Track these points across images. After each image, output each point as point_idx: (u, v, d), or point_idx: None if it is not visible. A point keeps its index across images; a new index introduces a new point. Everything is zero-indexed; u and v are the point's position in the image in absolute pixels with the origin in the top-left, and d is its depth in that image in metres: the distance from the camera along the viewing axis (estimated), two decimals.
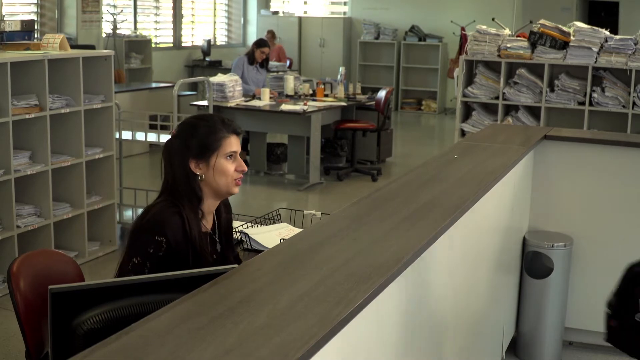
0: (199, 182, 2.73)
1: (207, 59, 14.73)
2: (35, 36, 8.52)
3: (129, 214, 7.33)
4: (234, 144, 2.76)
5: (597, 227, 4.53)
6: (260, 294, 2.01)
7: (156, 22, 14.38)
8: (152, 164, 9.69)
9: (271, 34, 13.65)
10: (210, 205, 2.80)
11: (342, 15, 16.88)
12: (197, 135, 2.74)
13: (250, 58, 9.98)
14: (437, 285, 2.97)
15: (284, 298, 1.98)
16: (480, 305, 3.72)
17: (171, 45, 14.66)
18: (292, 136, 9.51)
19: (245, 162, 9.80)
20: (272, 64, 12.69)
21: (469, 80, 7.14)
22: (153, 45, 13.51)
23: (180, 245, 2.64)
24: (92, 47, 10.64)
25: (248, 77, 9.89)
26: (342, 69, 10.73)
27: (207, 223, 2.83)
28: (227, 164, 2.74)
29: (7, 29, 6.28)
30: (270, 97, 9.43)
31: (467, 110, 7.27)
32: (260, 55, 9.97)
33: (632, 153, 4.49)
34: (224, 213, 2.93)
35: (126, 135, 7.36)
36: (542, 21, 6.99)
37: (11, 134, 5.28)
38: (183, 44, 14.94)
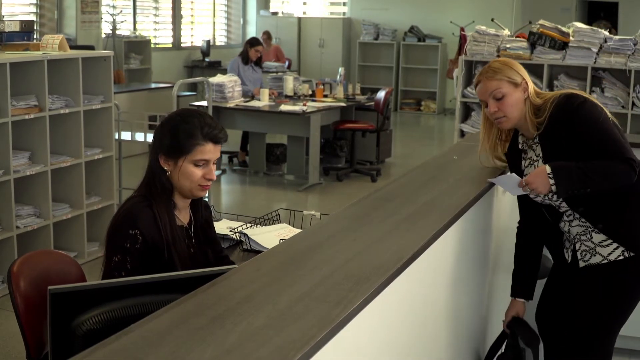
0: (167, 176, 2.74)
1: (207, 59, 14.74)
2: (35, 37, 8.51)
3: None
4: (207, 152, 2.72)
5: None
6: (259, 295, 2.01)
7: (155, 22, 14.38)
8: None
9: (267, 34, 13.65)
10: (180, 199, 2.80)
11: (341, 16, 16.89)
12: (173, 134, 2.73)
13: (245, 58, 9.98)
14: (437, 285, 2.97)
15: (284, 299, 1.97)
16: (479, 305, 3.72)
17: (170, 45, 14.67)
18: (292, 137, 9.52)
19: (244, 162, 9.90)
20: (271, 64, 12.70)
21: (469, 80, 7.14)
22: (152, 45, 13.52)
23: (155, 238, 2.65)
24: (91, 48, 10.64)
25: (245, 77, 9.89)
26: (341, 70, 10.74)
27: (183, 217, 2.83)
28: (194, 170, 2.72)
29: (7, 30, 6.27)
30: (271, 97, 9.44)
31: (467, 111, 7.27)
32: (255, 54, 9.97)
33: None
34: (202, 211, 2.93)
35: (125, 135, 7.38)
36: (541, 21, 6.99)
37: (10, 135, 5.28)
38: (182, 45, 14.95)
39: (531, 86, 3.22)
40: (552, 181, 3.08)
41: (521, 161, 3.34)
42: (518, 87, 3.18)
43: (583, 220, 3.23)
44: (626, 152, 3.08)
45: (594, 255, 3.23)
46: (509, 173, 3.32)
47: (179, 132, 2.72)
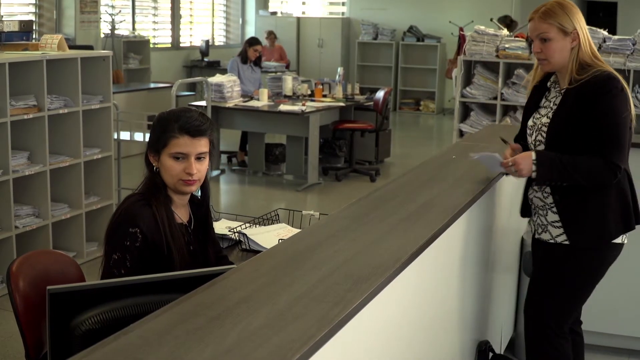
0: (156, 172, 2.75)
1: (206, 59, 14.73)
2: (34, 37, 8.52)
3: None
4: (183, 145, 2.68)
5: None
6: (258, 295, 2.01)
7: (154, 22, 14.38)
8: None
9: (272, 34, 13.65)
10: (177, 196, 2.79)
11: (340, 16, 16.88)
12: (154, 129, 2.76)
13: (243, 57, 9.97)
14: (436, 285, 2.97)
15: (283, 299, 1.98)
16: (478, 305, 3.72)
17: (169, 45, 14.66)
18: (291, 136, 9.52)
19: (244, 162, 9.90)
20: (270, 64, 12.70)
21: (467, 80, 7.14)
22: (151, 45, 13.51)
23: (155, 236, 2.65)
24: (90, 48, 10.63)
25: (243, 77, 9.88)
26: (340, 70, 10.73)
27: (182, 215, 2.82)
28: (173, 164, 2.70)
29: (6, 30, 6.28)
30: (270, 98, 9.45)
31: (466, 111, 7.26)
32: (254, 53, 9.96)
33: (630, 153, 4.48)
34: (200, 208, 2.92)
35: (124, 135, 7.38)
36: None
37: (9, 135, 5.28)
38: (181, 45, 14.94)
39: (584, 37, 3.19)
40: (534, 167, 3.17)
41: (542, 98, 3.40)
42: (567, 36, 3.17)
43: (545, 194, 3.33)
44: (620, 158, 3.13)
45: (545, 232, 3.36)
46: (490, 153, 3.39)
47: (158, 127, 2.75)
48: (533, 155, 3.18)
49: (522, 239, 4.53)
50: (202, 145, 2.72)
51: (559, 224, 3.28)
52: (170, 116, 2.74)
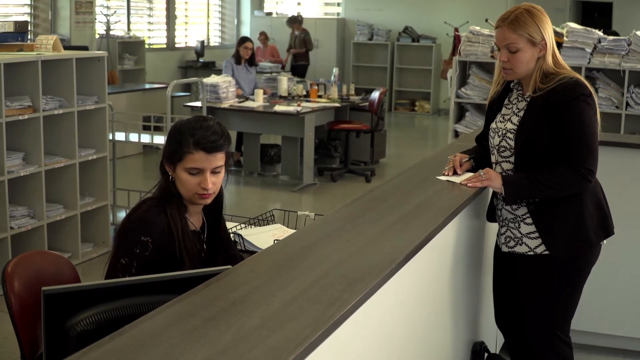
0: (171, 181, 2.72)
1: (201, 60, 14.72)
2: (29, 37, 8.50)
3: (122, 215, 7.30)
4: (198, 160, 2.64)
5: None
6: (253, 296, 2.01)
7: (149, 23, 14.36)
8: (145, 165, 9.68)
9: (264, 35, 13.67)
10: (191, 204, 2.77)
11: (335, 16, 16.88)
12: (169, 140, 2.72)
13: (237, 57, 9.97)
14: (430, 286, 2.98)
15: (277, 299, 1.98)
16: (473, 305, 3.72)
17: (164, 46, 14.65)
18: (286, 137, 9.52)
19: (239, 162, 9.89)
20: (265, 64, 12.70)
21: (463, 81, 7.14)
22: (146, 46, 13.50)
23: (167, 244, 2.64)
24: (85, 48, 10.62)
25: (239, 78, 9.87)
26: (335, 70, 10.73)
27: (196, 222, 2.81)
28: (188, 178, 2.66)
29: (1, 30, 6.27)
30: (265, 96, 9.44)
31: (461, 111, 7.27)
32: (245, 51, 9.93)
33: (625, 153, 4.50)
34: (213, 214, 2.91)
35: (119, 136, 7.36)
36: None
37: (4, 136, 5.28)
38: (176, 45, 14.93)
39: (550, 48, 3.16)
40: (503, 188, 3.20)
41: (505, 98, 3.38)
42: (535, 46, 3.14)
43: (515, 206, 3.30)
44: (590, 162, 3.12)
45: (520, 245, 3.32)
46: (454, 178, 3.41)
47: (173, 139, 2.71)
48: (500, 176, 3.21)
49: None
50: (218, 159, 2.68)
51: (536, 235, 3.25)
52: (186, 129, 2.67)
